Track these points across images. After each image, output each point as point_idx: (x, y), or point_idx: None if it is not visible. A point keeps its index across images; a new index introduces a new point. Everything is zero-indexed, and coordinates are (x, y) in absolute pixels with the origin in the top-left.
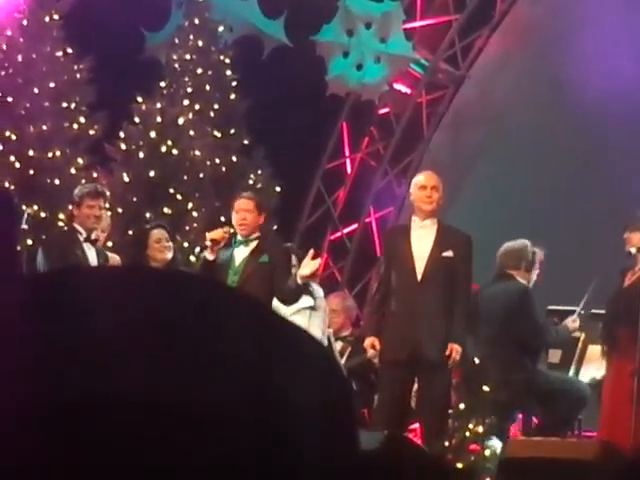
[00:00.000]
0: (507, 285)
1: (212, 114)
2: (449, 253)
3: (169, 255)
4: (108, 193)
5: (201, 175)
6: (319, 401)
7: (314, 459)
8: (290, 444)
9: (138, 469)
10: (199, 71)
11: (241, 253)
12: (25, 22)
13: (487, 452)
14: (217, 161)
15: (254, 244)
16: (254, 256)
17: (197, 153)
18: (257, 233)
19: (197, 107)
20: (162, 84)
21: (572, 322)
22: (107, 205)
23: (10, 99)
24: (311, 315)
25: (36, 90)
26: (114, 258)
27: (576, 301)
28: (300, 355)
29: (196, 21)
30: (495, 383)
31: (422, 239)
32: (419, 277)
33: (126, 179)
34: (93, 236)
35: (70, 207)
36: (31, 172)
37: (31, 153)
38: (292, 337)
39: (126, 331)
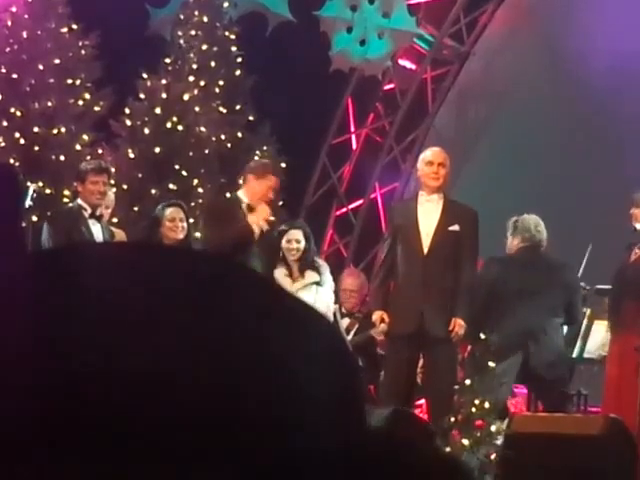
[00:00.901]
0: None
1: (217, 90)
2: (455, 227)
3: (181, 235)
4: (112, 169)
5: (206, 151)
6: (325, 378)
7: (319, 436)
8: (294, 420)
9: (138, 439)
10: (204, 47)
11: None
12: None
13: (493, 428)
14: (222, 137)
15: None
16: None
17: (202, 129)
18: None
19: (202, 83)
20: (167, 60)
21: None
22: (112, 181)
23: (15, 76)
24: (317, 290)
25: (41, 67)
26: (119, 234)
27: (584, 273)
28: (306, 331)
29: None
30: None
31: (428, 213)
32: (425, 250)
33: (131, 155)
34: (98, 212)
35: (75, 183)
36: (36, 148)
37: (36, 129)
38: (299, 313)
39: (130, 305)
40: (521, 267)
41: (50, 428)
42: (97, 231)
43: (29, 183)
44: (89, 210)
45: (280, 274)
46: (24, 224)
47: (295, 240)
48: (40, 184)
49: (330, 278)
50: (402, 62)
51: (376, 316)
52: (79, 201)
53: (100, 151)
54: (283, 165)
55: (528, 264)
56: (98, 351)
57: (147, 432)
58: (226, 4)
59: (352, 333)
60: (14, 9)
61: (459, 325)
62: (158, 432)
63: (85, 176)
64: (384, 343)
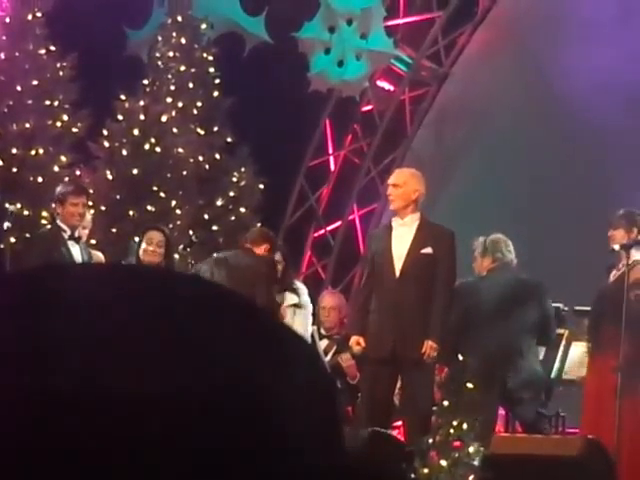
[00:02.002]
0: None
1: (195, 111)
2: (428, 250)
3: (157, 259)
4: (90, 190)
5: (184, 173)
6: (303, 399)
7: (298, 457)
8: (274, 441)
9: (121, 457)
10: (182, 68)
11: None
12: (8, 20)
13: (471, 449)
14: (200, 159)
15: None
16: None
17: (180, 151)
18: None
19: (180, 104)
20: (145, 82)
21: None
22: (89, 202)
23: None
24: (295, 313)
25: (19, 88)
26: (97, 256)
27: (557, 294)
28: (286, 353)
29: (179, 18)
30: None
31: (402, 237)
32: (397, 274)
33: (109, 177)
34: (76, 234)
35: (53, 205)
36: (14, 170)
37: (14, 151)
38: (279, 334)
39: (110, 326)
40: (494, 288)
41: (17, 444)
42: (76, 252)
43: (7, 205)
44: (68, 232)
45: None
46: (2, 245)
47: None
48: (18, 205)
49: (308, 300)
50: (380, 83)
51: (353, 340)
52: (58, 222)
53: (78, 172)
54: (261, 186)
55: (501, 285)
56: (77, 370)
57: (129, 452)
58: (204, 26)
59: (330, 355)
60: None
61: (431, 347)
62: (141, 451)
63: (65, 198)
64: (352, 370)
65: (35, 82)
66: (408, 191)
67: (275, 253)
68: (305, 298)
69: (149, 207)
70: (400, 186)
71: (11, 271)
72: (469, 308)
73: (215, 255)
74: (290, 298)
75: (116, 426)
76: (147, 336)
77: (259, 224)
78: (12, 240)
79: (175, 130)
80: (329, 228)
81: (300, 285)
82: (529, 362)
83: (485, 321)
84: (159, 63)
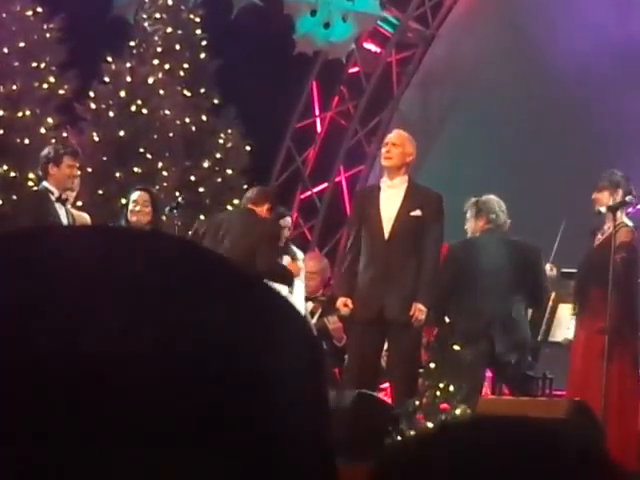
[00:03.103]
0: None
1: (182, 73)
2: (417, 212)
3: (145, 219)
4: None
5: (171, 134)
6: (289, 362)
7: (283, 421)
8: (257, 408)
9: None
10: (169, 30)
11: None
12: None
13: (457, 411)
14: (187, 120)
15: None
16: None
17: (167, 112)
18: None
19: (167, 66)
20: (132, 43)
21: (550, 270)
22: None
23: None
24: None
25: (5, 50)
26: (84, 217)
27: (549, 256)
28: (269, 315)
29: None
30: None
31: (391, 199)
32: (386, 236)
33: (96, 138)
34: (64, 196)
35: (45, 165)
36: (1, 132)
37: (1, 113)
38: (260, 296)
39: (94, 289)
40: (487, 250)
41: (14, 409)
42: (62, 215)
43: None
44: (56, 194)
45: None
46: None
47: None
48: (4, 167)
49: (303, 265)
50: (367, 45)
51: (340, 301)
52: (46, 184)
53: (65, 134)
54: (248, 148)
55: (496, 247)
56: (64, 333)
57: (112, 416)
58: None
59: (316, 316)
60: None
61: (419, 310)
62: (124, 416)
63: (61, 159)
64: (339, 332)
65: (22, 44)
66: (405, 153)
67: (277, 214)
68: (302, 264)
69: (135, 169)
70: (399, 146)
71: None
72: (462, 270)
73: (220, 215)
74: (287, 261)
75: (99, 389)
76: (130, 299)
77: (245, 186)
78: None
79: (161, 92)
80: (315, 190)
81: (297, 250)
82: (518, 324)
83: (476, 284)
84: (145, 25)
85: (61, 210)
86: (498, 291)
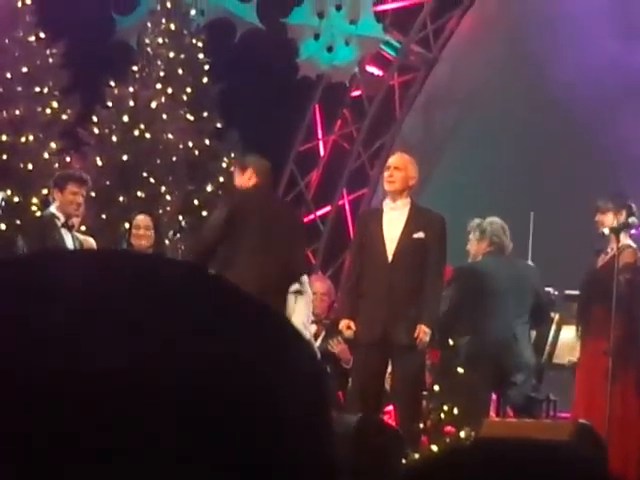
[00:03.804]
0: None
1: (185, 97)
2: (420, 234)
3: (146, 243)
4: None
5: (174, 158)
6: (296, 388)
7: (284, 444)
8: (260, 427)
9: (102, 439)
10: (171, 55)
11: None
12: None
13: (462, 434)
14: (190, 144)
15: None
16: None
17: (170, 137)
18: None
19: (170, 91)
20: (134, 68)
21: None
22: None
23: None
24: (297, 299)
25: (9, 75)
26: (89, 242)
27: (549, 279)
28: (276, 338)
29: (168, 4)
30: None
31: (393, 221)
32: (390, 258)
33: (99, 163)
34: (70, 222)
35: (46, 191)
36: (4, 157)
37: (4, 138)
38: (267, 319)
39: (99, 311)
40: (490, 273)
41: (20, 441)
42: (68, 240)
43: None
44: (62, 219)
45: None
46: None
47: None
48: (8, 192)
49: (309, 288)
50: (369, 68)
51: (343, 324)
52: (52, 209)
53: (68, 159)
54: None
55: (497, 269)
56: (64, 356)
57: (113, 436)
58: (193, 12)
59: (320, 339)
60: None
61: (423, 332)
62: (125, 435)
63: (65, 185)
64: (345, 353)
65: (25, 69)
66: (407, 176)
67: None
68: (307, 286)
69: (139, 193)
70: (401, 170)
71: (1, 257)
72: (466, 293)
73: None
74: (292, 285)
75: (102, 410)
76: (135, 321)
77: None
78: (2, 227)
79: (164, 116)
80: (319, 213)
81: None
82: (522, 346)
83: (481, 306)
84: (148, 49)
85: (67, 236)
86: (501, 314)
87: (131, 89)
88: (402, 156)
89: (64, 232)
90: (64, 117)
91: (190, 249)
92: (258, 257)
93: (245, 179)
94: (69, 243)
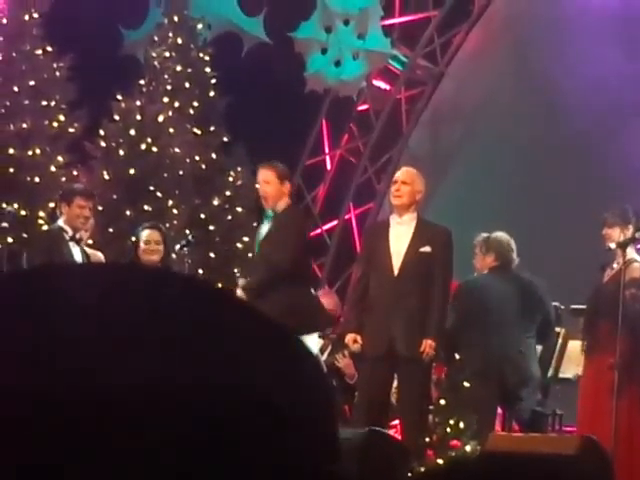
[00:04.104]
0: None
1: (192, 111)
2: (427, 248)
3: (155, 257)
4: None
5: (181, 172)
6: (299, 399)
7: (294, 458)
8: (269, 443)
9: (122, 458)
10: (178, 69)
11: (265, 228)
12: (4, 21)
13: (468, 448)
14: (197, 158)
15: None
16: (270, 230)
17: (177, 150)
18: (282, 205)
19: (177, 104)
20: (141, 82)
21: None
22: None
23: None
24: None
25: (16, 88)
26: (97, 255)
27: (556, 293)
28: (283, 352)
29: (175, 19)
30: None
31: (400, 235)
32: (396, 272)
33: (106, 177)
34: (78, 235)
35: (53, 205)
36: (11, 170)
37: (11, 151)
38: (275, 334)
39: (107, 325)
40: (496, 288)
41: (33, 458)
42: (77, 254)
43: (4, 205)
44: (70, 233)
45: None
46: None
47: None
48: (15, 206)
49: None
50: (376, 82)
51: (349, 338)
52: (60, 223)
53: (75, 173)
54: (257, 186)
55: (504, 284)
56: (73, 370)
57: (143, 442)
58: (200, 26)
59: (326, 353)
60: None
61: (429, 346)
62: (135, 450)
63: (72, 199)
64: (350, 369)
65: (32, 82)
66: (414, 191)
67: None
68: None
69: (146, 207)
70: (409, 184)
71: (8, 271)
72: (471, 307)
73: None
74: None
75: (110, 427)
76: (144, 334)
77: (255, 224)
78: (9, 240)
79: (171, 130)
80: (325, 227)
81: None
82: (528, 361)
83: (487, 320)
84: (155, 63)
85: (75, 249)
86: (507, 328)
87: (138, 103)
88: (409, 170)
89: (72, 245)
90: (71, 130)
91: None
92: None
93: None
94: (77, 256)
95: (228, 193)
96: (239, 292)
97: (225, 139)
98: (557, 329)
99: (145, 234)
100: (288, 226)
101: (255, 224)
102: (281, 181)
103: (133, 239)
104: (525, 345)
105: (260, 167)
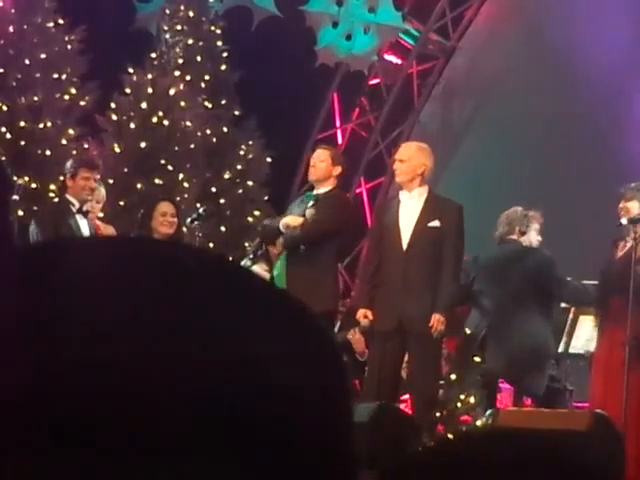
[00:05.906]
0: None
1: (203, 85)
2: (436, 223)
3: (171, 230)
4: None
5: (192, 146)
6: (310, 371)
7: (306, 434)
8: (280, 420)
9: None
10: (190, 42)
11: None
12: None
13: (478, 422)
14: (208, 132)
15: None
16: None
17: (188, 124)
18: (328, 186)
19: (188, 78)
20: (153, 55)
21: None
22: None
23: (1, 70)
24: None
25: (27, 61)
26: (109, 228)
27: (568, 269)
28: (293, 325)
29: None
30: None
31: (409, 210)
32: (405, 247)
33: (117, 150)
34: (85, 208)
35: (62, 178)
36: (22, 143)
37: (22, 124)
38: (285, 306)
39: (115, 299)
40: (507, 260)
41: (38, 433)
42: (84, 226)
43: (15, 178)
44: (77, 205)
45: (261, 270)
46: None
47: None
48: (26, 179)
49: None
50: (388, 57)
51: (360, 313)
52: (67, 196)
53: (86, 146)
54: (269, 160)
55: (514, 257)
56: (84, 340)
57: (129, 420)
58: None
59: (336, 328)
60: (0, 4)
61: (439, 321)
62: (139, 420)
63: (76, 171)
64: (360, 345)
65: (43, 55)
66: (414, 165)
67: None
68: None
69: (157, 180)
70: (405, 161)
71: (18, 244)
72: (478, 281)
73: None
74: None
75: (114, 398)
76: (150, 306)
77: (266, 197)
78: (20, 213)
79: (183, 103)
80: None
81: None
82: (538, 336)
83: (495, 294)
84: (167, 36)
85: (82, 222)
86: (515, 301)
87: (149, 76)
88: (407, 146)
89: (79, 218)
90: (82, 104)
91: None
92: None
93: None
94: (84, 229)
95: (239, 167)
96: (281, 226)
97: (236, 113)
98: (568, 305)
99: (160, 206)
100: (331, 206)
101: (266, 198)
102: (333, 163)
103: (142, 212)
104: (533, 319)
105: (318, 146)
